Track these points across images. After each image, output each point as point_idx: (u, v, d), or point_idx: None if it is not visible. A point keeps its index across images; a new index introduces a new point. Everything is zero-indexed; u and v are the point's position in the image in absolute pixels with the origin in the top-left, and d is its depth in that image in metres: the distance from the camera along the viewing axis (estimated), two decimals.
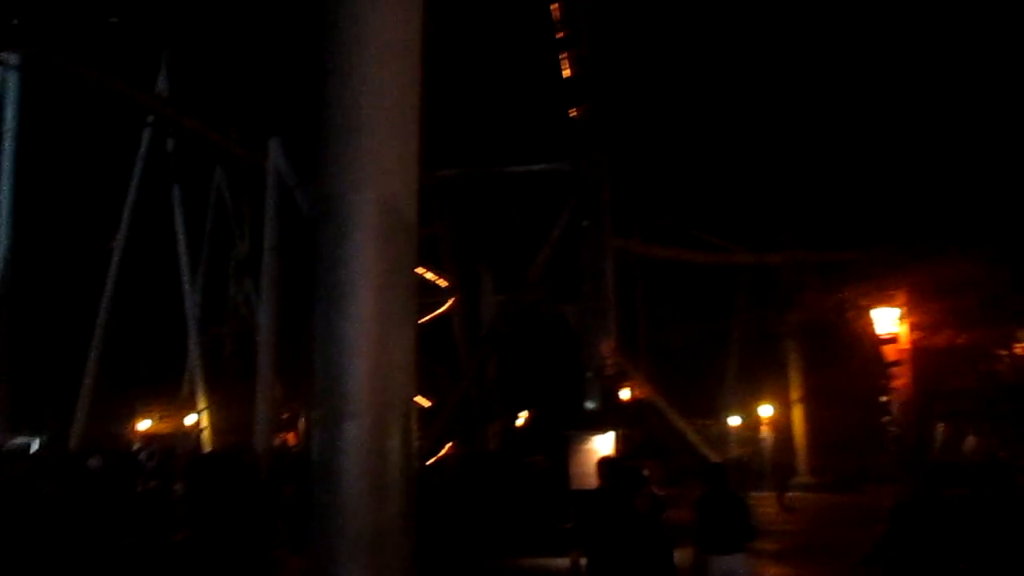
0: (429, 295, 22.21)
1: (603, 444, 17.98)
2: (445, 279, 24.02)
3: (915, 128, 19.07)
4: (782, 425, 26.16)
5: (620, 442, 18.22)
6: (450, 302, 23.73)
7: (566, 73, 20.86)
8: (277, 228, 21.38)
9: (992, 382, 15.43)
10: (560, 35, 20.16)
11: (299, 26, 19.45)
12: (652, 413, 22.75)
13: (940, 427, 21.25)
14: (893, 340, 14.81)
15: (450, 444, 21.24)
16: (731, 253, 26.65)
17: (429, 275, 22.66)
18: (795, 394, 23.87)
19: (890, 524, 12.55)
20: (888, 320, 14.34)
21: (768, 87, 24.18)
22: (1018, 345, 14.99)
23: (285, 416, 24.96)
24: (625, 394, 21.97)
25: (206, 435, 25.65)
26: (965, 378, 16.09)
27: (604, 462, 8.25)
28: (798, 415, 23.90)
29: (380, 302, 4.18)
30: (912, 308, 14.55)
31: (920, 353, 14.88)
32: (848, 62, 22.85)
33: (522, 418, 26.55)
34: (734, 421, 29.00)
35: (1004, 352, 15.13)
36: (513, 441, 24.04)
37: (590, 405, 19.50)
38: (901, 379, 14.51)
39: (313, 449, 4.18)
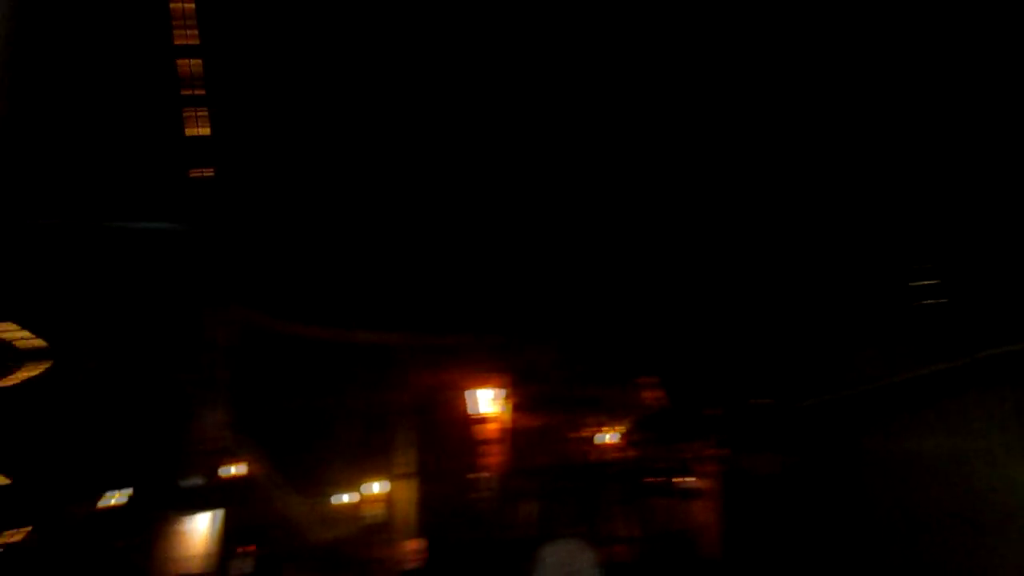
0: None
1: (200, 525, 16.89)
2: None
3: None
4: (391, 502, 26.55)
5: (222, 523, 17.25)
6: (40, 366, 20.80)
7: (189, 132, 20.15)
8: None
9: (562, 461, 17.26)
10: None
11: None
12: (260, 492, 21.79)
13: (525, 504, 23.15)
14: (491, 419, 16.07)
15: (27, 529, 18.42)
16: (352, 331, 26.91)
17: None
18: (401, 471, 24.49)
19: None
20: (486, 400, 15.58)
21: None
22: (585, 430, 17.01)
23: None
24: (231, 471, 20.86)
25: None
26: (543, 457, 17.84)
27: None
28: (403, 492, 24.48)
29: None
30: (512, 391, 15.97)
31: (513, 433, 16.31)
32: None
33: (113, 497, 23.81)
34: (346, 498, 28.79)
35: (573, 435, 17.04)
36: (101, 523, 21.44)
37: (189, 483, 18.23)
38: (495, 456, 15.75)
39: None
